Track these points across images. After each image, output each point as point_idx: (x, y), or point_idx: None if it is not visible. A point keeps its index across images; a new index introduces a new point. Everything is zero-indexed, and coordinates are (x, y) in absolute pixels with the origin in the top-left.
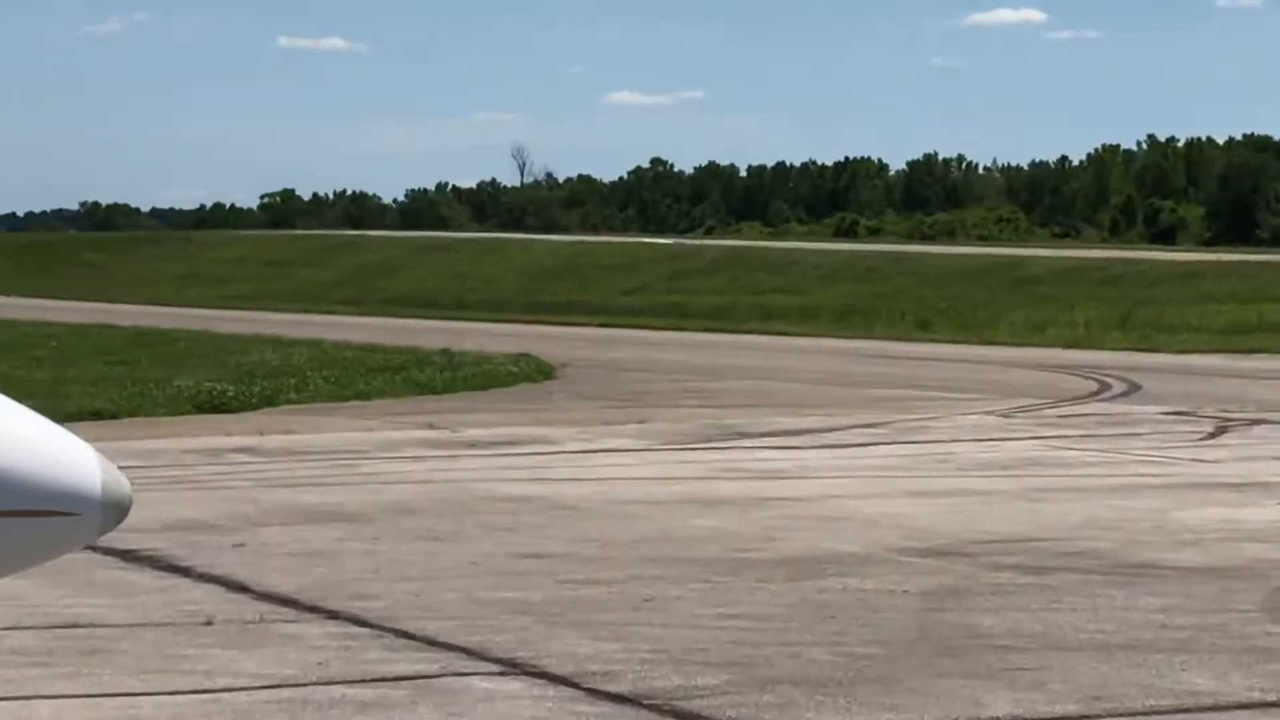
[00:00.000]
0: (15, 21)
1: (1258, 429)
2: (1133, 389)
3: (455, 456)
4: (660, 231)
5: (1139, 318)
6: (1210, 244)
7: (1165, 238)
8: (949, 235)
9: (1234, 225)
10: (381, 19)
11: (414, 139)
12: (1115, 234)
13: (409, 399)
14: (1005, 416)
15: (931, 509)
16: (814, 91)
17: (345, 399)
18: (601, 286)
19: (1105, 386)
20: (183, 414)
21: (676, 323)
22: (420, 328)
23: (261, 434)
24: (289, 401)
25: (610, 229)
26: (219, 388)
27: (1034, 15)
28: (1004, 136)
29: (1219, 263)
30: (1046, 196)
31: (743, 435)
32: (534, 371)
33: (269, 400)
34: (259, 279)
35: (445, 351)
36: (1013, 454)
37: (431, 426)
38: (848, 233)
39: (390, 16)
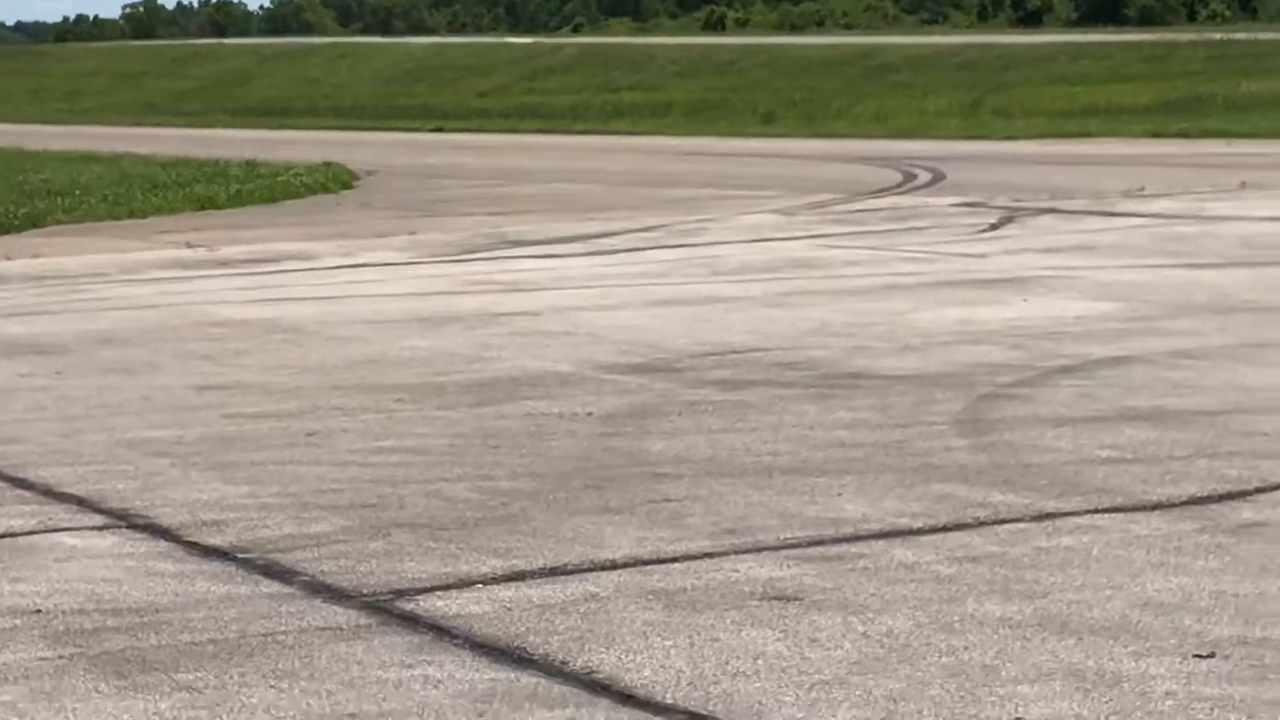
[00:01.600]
0: None
1: (1043, 219)
2: (938, 179)
3: (195, 278)
4: (531, 30)
5: (990, 103)
6: (1078, 25)
7: (1032, 21)
8: (818, 25)
9: (1102, 6)
10: None
11: None
12: (984, 19)
13: (187, 215)
14: (790, 215)
15: (666, 320)
16: None
17: (119, 217)
18: (457, 89)
19: (911, 177)
20: None
21: (529, 124)
22: (248, 139)
23: (8, 258)
24: (57, 222)
25: (479, 29)
26: None
27: None
28: None
29: (1075, 44)
30: None
31: (513, 244)
32: (330, 181)
33: (34, 221)
34: (110, 91)
35: (249, 163)
36: (778, 255)
37: (189, 245)
38: (716, 26)
39: None
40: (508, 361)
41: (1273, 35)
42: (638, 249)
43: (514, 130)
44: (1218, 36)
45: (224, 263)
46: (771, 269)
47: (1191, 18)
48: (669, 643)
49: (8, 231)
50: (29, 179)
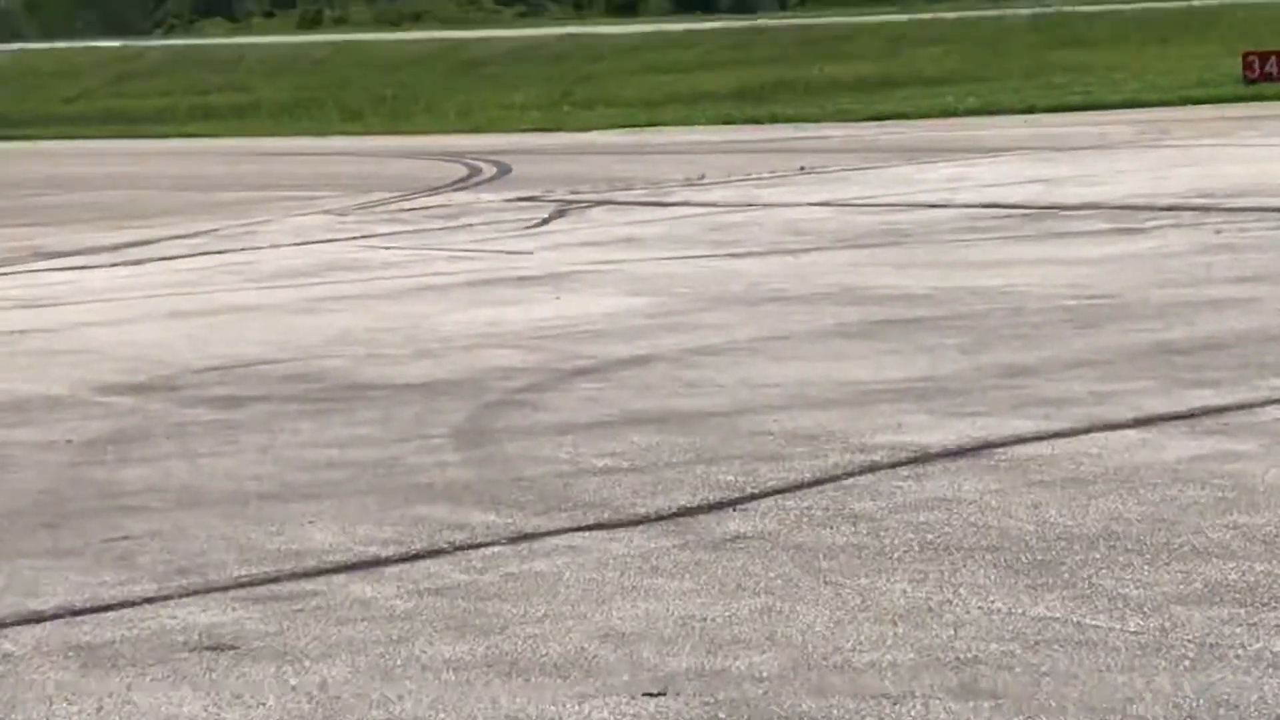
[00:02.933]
0: None
1: (596, 211)
2: (502, 173)
3: None
4: (125, 34)
5: (577, 94)
6: (673, 14)
7: (627, 11)
8: (415, 20)
9: None
10: None
11: None
12: (580, 9)
13: None
14: (341, 215)
15: (180, 333)
16: None
17: None
18: (41, 96)
19: (475, 172)
20: None
21: (115, 130)
22: None
23: None
24: None
25: (70, 34)
26: None
27: None
28: None
29: (665, 34)
30: None
31: (45, 255)
32: None
33: None
34: None
35: None
36: (318, 258)
37: None
38: (312, 24)
39: None
40: None
41: (858, 19)
42: (172, 257)
43: (93, 137)
44: (802, 22)
45: None
46: (308, 273)
47: (782, 5)
48: (75, 708)
49: None
50: None
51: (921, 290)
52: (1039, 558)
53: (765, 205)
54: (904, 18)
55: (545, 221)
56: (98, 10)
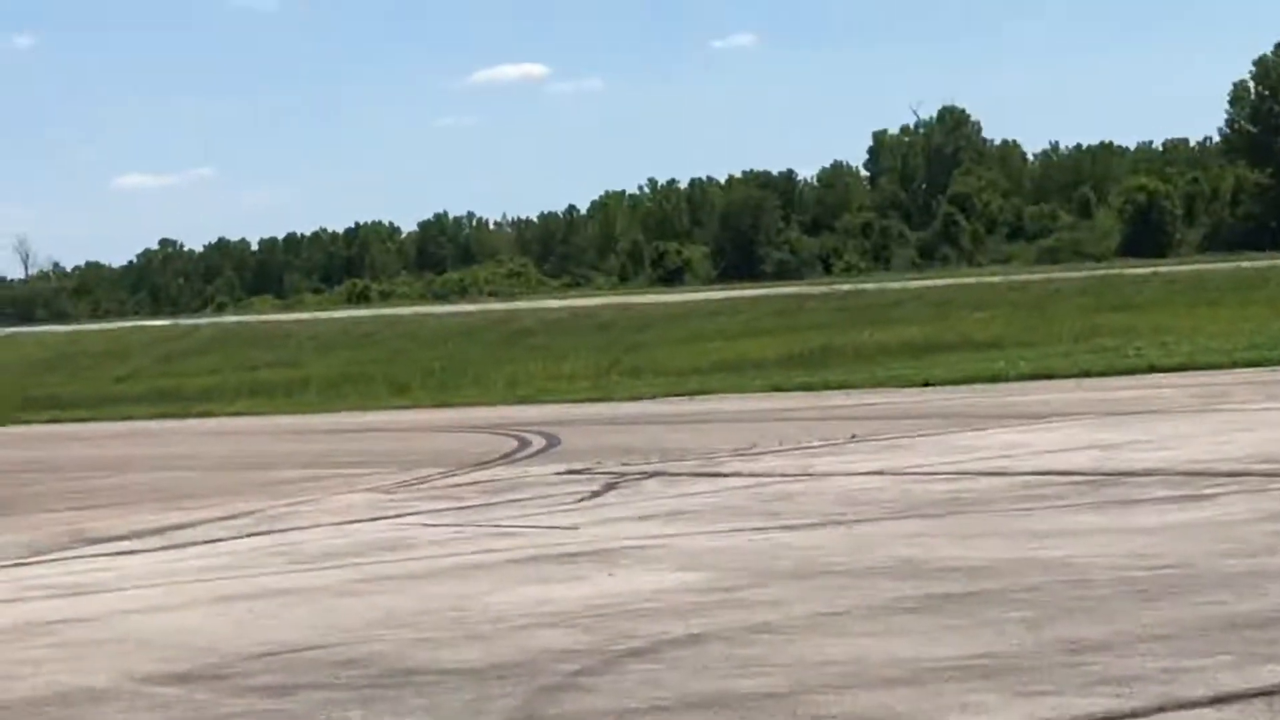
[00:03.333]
0: None
1: (649, 483)
2: (551, 445)
3: None
4: (176, 314)
5: (625, 363)
6: (719, 282)
7: (673, 280)
8: (461, 294)
9: (739, 262)
10: None
11: None
12: (625, 280)
13: None
14: (388, 493)
15: (226, 618)
16: (324, 160)
17: None
18: (93, 376)
19: (524, 444)
20: None
21: (165, 408)
22: None
23: None
24: None
25: (122, 315)
26: None
27: (536, 69)
28: (514, 190)
29: (711, 301)
30: (557, 247)
31: (90, 541)
32: None
33: None
34: None
35: None
36: (362, 538)
37: None
38: (360, 299)
39: None
40: (40, 679)
41: (901, 284)
42: (218, 539)
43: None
44: (847, 288)
45: None
46: (352, 554)
47: (827, 270)
48: None
49: None
50: None
51: (981, 562)
52: None
53: (818, 474)
54: (950, 282)
55: (596, 495)
56: (147, 290)
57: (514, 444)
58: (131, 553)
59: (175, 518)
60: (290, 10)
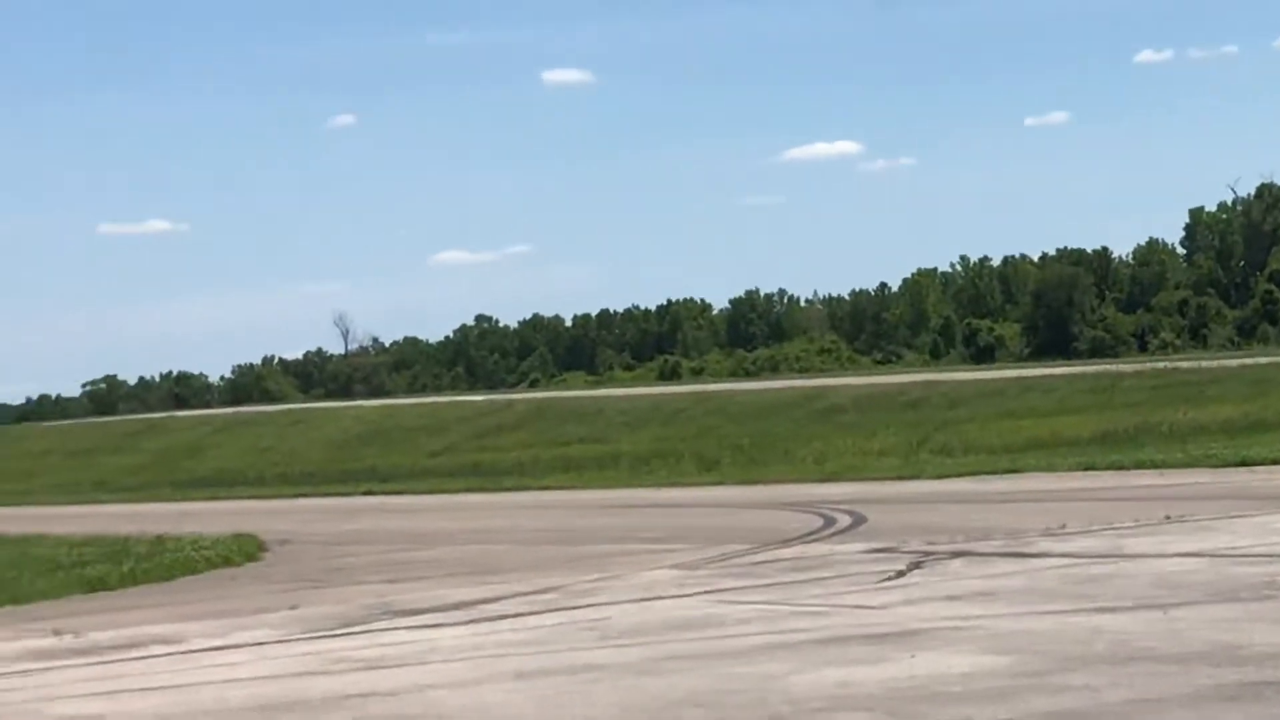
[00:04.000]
0: None
1: (955, 563)
2: (857, 523)
3: (44, 670)
4: (490, 388)
5: (936, 441)
6: (1031, 359)
7: (985, 357)
8: (772, 370)
9: (1052, 340)
10: (203, 198)
11: (240, 314)
12: (936, 357)
13: (74, 599)
14: (692, 569)
15: (527, 696)
16: (637, 235)
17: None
18: (408, 449)
19: (830, 522)
20: None
21: (473, 483)
22: (179, 512)
23: None
24: None
25: (438, 389)
26: None
27: (849, 147)
28: (825, 268)
29: (1023, 379)
30: (868, 324)
31: (396, 614)
32: (235, 554)
33: None
34: (62, 470)
35: (158, 539)
36: (667, 615)
37: (55, 632)
38: (671, 375)
39: (212, 195)
40: None
41: (1218, 362)
42: (524, 614)
43: (456, 490)
44: (1162, 365)
45: (84, 650)
46: (656, 631)
47: (1142, 348)
48: None
49: None
50: None
51: None
52: None
53: (1130, 556)
54: (1269, 360)
55: (901, 574)
56: (463, 364)
57: (820, 521)
58: (438, 625)
59: (483, 591)
60: (605, 86)
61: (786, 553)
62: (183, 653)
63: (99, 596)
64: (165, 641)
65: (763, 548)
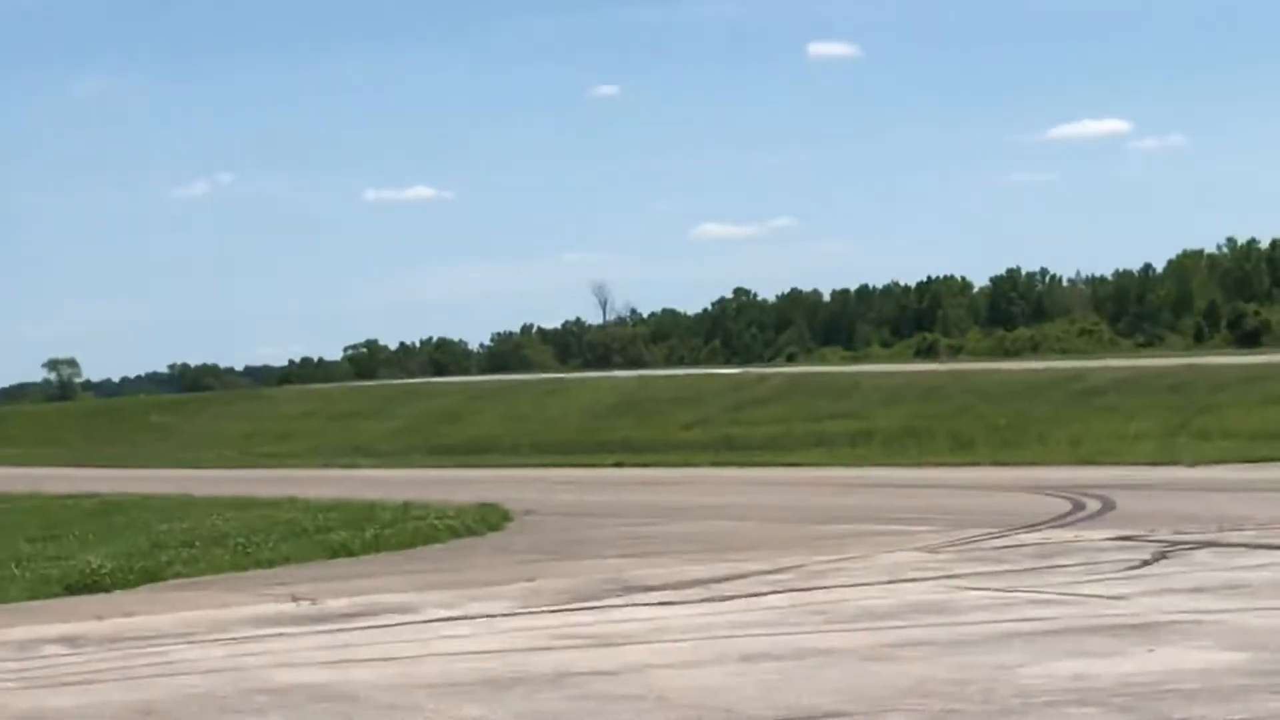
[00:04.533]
0: (107, 189)
1: (1201, 554)
2: (1106, 508)
3: (280, 635)
4: (746, 362)
5: (1195, 425)
6: None
7: (1250, 341)
8: (1032, 350)
9: None
10: (467, 165)
11: (500, 282)
12: (1200, 340)
13: (317, 564)
14: (934, 552)
15: (749, 678)
16: (898, 210)
17: (243, 568)
18: (662, 422)
19: (1079, 507)
20: (50, 596)
21: (729, 456)
22: (432, 478)
23: (99, 618)
24: (176, 575)
25: (695, 362)
26: (95, 564)
27: (1119, 125)
28: (1088, 248)
29: None
30: (1131, 306)
31: (630, 589)
32: (479, 524)
33: (152, 575)
34: (322, 434)
35: (405, 505)
36: (904, 599)
37: (294, 598)
38: (928, 353)
39: (475, 163)
40: None
41: None
42: (758, 594)
43: (705, 464)
44: None
45: (321, 617)
46: (890, 615)
47: None
48: None
49: (123, 587)
50: (172, 528)
51: None
52: None
53: None
54: None
55: (1145, 564)
56: (721, 337)
57: (1069, 506)
58: (669, 604)
59: (719, 569)
60: (871, 58)
61: (1031, 538)
62: (414, 623)
63: (341, 563)
64: (399, 610)
65: (1008, 532)
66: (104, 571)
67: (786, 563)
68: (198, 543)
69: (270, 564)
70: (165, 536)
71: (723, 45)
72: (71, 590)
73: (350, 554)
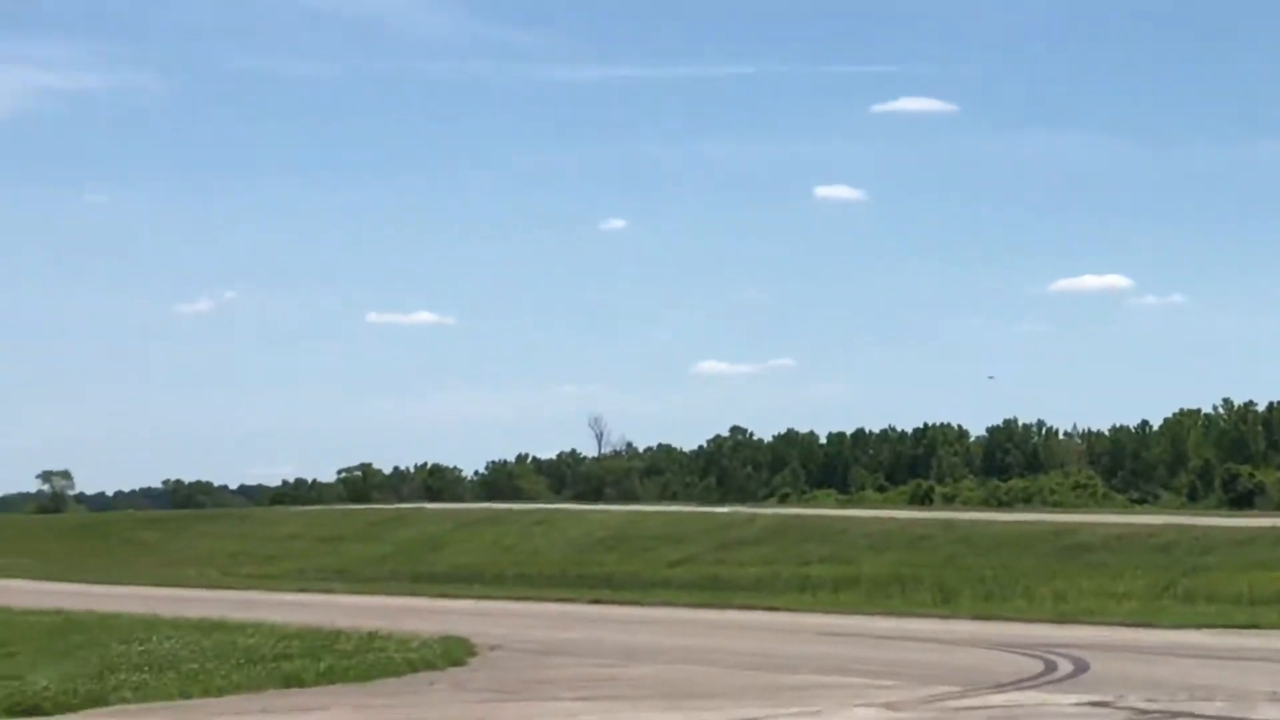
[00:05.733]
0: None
1: None
2: (1079, 671)
3: None
4: (739, 500)
5: (1182, 586)
6: None
7: (1243, 503)
8: (1025, 502)
9: None
10: (470, 292)
11: (497, 410)
12: (1194, 500)
13: (267, 694)
14: (897, 710)
15: None
16: (897, 356)
17: (191, 696)
18: (648, 558)
19: (1051, 668)
20: None
21: (712, 597)
22: (405, 606)
23: None
24: (122, 701)
25: (688, 498)
26: (40, 685)
27: (1120, 281)
28: (1086, 402)
29: (1276, 528)
30: (1127, 462)
31: None
32: (440, 658)
33: (96, 701)
34: (307, 555)
35: (370, 634)
36: None
37: None
38: (923, 500)
39: (479, 290)
40: None
41: None
42: None
43: (684, 604)
44: None
45: None
46: None
47: None
48: None
49: (65, 710)
50: (128, 650)
51: None
52: None
53: None
54: None
55: None
56: (715, 475)
57: (1041, 666)
58: None
59: (677, 717)
60: (877, 204)
61: (997, 699)
62: None
63: (291, 693)
64: None
65: (974, 691)
66: (47, 695)
67: (741, 714)
68: (148, 668)
69: (220, 692)
70: (119, 659)
71: (731, 183)
72: (10, 714)
73: (302, 684)
